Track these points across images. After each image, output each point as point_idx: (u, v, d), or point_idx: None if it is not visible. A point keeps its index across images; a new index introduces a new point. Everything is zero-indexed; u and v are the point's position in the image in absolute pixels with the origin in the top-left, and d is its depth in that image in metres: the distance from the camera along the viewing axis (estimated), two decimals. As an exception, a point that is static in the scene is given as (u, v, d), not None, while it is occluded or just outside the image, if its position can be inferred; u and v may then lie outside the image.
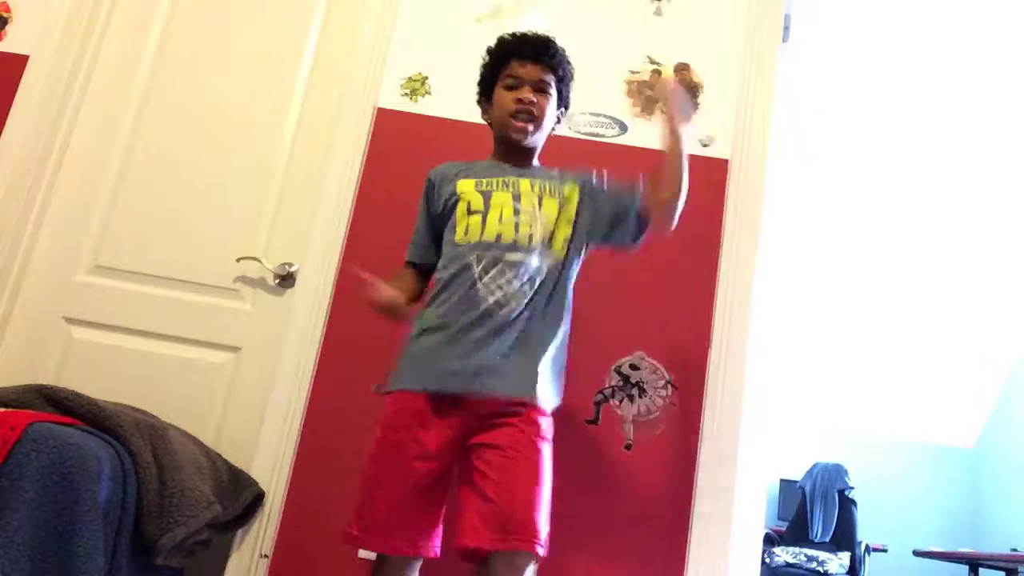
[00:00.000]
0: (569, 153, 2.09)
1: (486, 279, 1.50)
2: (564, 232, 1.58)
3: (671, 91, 1.61)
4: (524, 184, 1.59)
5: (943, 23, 3.51)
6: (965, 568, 4.64)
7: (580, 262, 1.62)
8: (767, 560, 4.74)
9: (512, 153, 1.65)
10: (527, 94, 1.60)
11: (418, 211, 1.71)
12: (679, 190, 1.55)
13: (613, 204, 1.62)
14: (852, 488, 5.14)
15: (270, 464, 1.94)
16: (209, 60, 2.32)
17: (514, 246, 1.53)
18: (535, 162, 1.68)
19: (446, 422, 1.47)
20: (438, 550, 1.50)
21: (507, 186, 1.59)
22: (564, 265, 1.57)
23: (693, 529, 1.85)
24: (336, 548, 1.90)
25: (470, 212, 1.57)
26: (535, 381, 1.48)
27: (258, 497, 1.89)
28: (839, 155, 4.54)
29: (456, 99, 2.17)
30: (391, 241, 2.08)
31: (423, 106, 2.17)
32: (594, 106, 2.12)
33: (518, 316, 1.49)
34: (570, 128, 2.12)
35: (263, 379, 2.05)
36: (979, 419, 5.64)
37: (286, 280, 2.15)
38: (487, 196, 1.58)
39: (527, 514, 1.36)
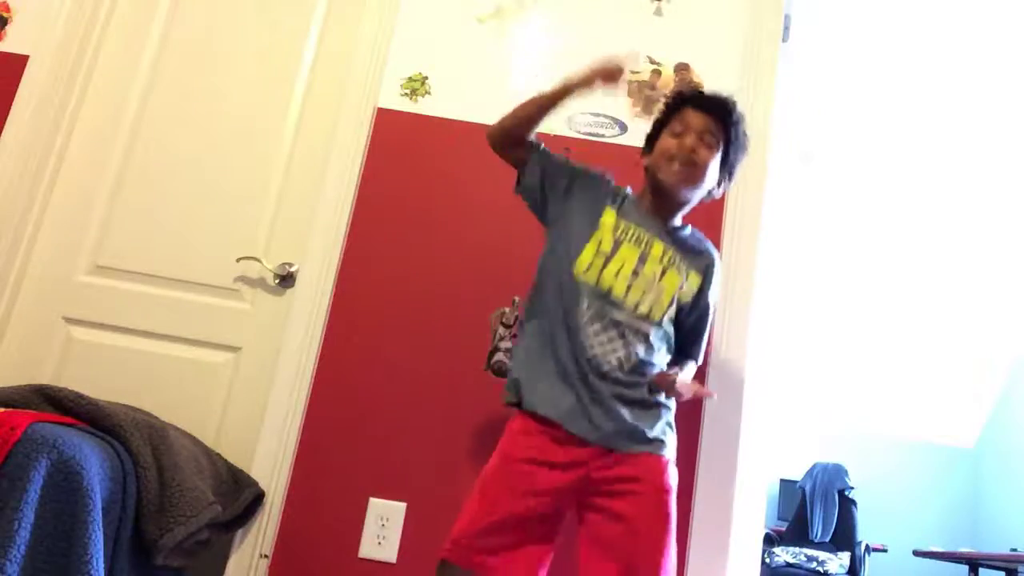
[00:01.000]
0: (569, 153, 2.09)
1: (594, 327, 1.47)
2: (671, 312, 1.54)
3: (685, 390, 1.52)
4: (656, 248, 1.53)
5: (943, 23, 3.51)
6: (965, 568, 4.64)
7: (670, 338, 1.57)
8: (767, 560, 4.74)
9: (659, 203, 1.57)
10: (690, 140, 1.52)
11: (581, 166, 1.63)
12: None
13: (696, 309, 1.60)
14: (852, 488, 5.14)
15: (270, 464, 1.94)
16: (209, 60, 2.32)
17: (619, 305, 1.48)
18: (678, 221, 1.61)
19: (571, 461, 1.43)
20: None
21: (639, 243, 1.53)
22: (659, 334, 1.52)
23: (693, 529, 1.85)
24: (336, 548, 1.90)
25: (598, 250, 1.50)
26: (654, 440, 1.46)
27: (258, 497, 1.89)
28: (839, 155, 4.54)
29: (456, 99, 2.17)
30: (391, 241, 2.09)
31: (423, 106, 2.17)
32: (594, 106, 2.11)
33: (625, 375, 1.46)
34: (570, 128, 2.12)
35: (263, 379, 2.05)
36: (979, 419, 5.64)
37: (286, 280, 2.15)
38: (617, 243, 1.52)
39: None
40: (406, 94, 2.18)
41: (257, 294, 2.17)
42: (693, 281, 1.57)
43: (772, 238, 2.15)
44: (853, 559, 4.86)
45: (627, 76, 1.55)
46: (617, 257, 1.50)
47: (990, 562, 4.47)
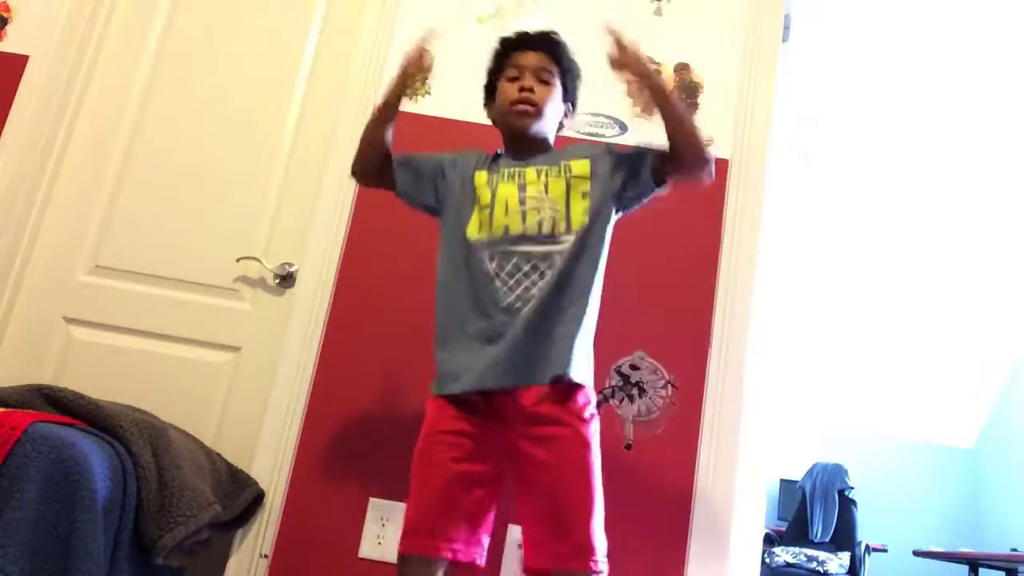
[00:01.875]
0: (569, 153, 2.10)
1: (503, 275, 1.45)
2: (580, 206, 1.50)
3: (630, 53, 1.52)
4: (530, 173, 1.54)
5: (943, 23, 3.51)
6: (965, 568, 4.64)
7: (610, 228, 1.54)
8: (767, 560, 4.74)
9: (520, 147, 1.59)
10: (527, 82, 1.56)
11: (428, 155, 1.65)
12: (690, 133, 1.50)
13: (626, 160, 1.56)
14: (852, 488, 5.14)
15: (270, 464, 1.94)
16: (209, 60, 2.32)
17: (523, 238, 1.47)
18: (548, 149, 1.62)
19: (485, 422, 1.44)
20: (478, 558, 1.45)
21: (512, 177, 1.54)
22: (588, 235, 1.49)
23: (693, 529, 1.85)
24: (336, 548, 1.90)
25: (480, 208, 1.52)
26: (568, 361, 1.43)
27: (258, 497, 1.89)
28: (839, 155, 4.54)
29: (456, 99, 2.16)
30: (391, 241, 2.09)
31: (423, 106, 2.17)
32: (594, 106, 2.11)
33: (540, 306, 1.43)
34: (570, 128, 2.12)
35: (263, 379, 2.05)
36: (979, 419, 5.64)
37: (286, 280, 2.15)
38: (494, 191, 1.53)
39: (583, 533, 1.35)
40: (406, 94, 2.17)
41: (257, 294, 2.17)
42: (581, 164, 1.55)
43: (772, 238, 2.15)
44: (853, 559, 4.86)
45: (431, 55, 1.59)
46: (498, 200, 1.51)
47: (990, 562, 4.48)
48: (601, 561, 1.35)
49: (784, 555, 4.85)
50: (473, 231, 1.51)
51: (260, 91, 2.28)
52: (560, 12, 2.22)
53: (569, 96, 1.64)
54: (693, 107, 2.12)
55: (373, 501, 1.92)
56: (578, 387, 1.44)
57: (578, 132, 2.12)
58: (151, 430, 1.66)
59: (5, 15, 2.29)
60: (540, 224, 1.48)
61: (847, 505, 5.10)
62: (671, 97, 1.53)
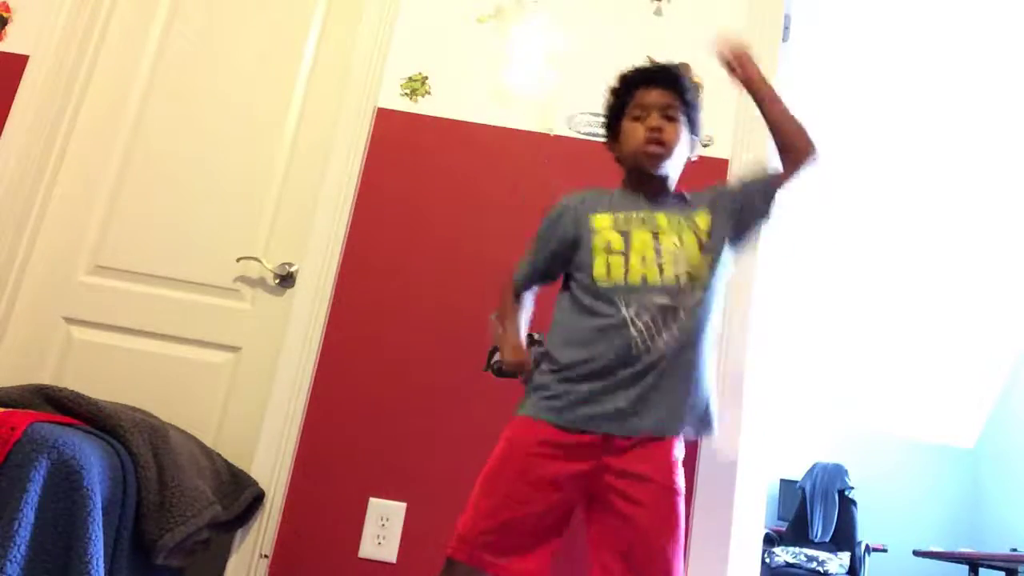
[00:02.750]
0: (569, 153, 2.10)
1: (640, 324, 1.43)
2: (708, 259, 1.50)
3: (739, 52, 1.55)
4: (661, 219, 1.52)
5: (943, 22, 3.51)
6: (965, 568, 4.64)
7: (726, 270, 1.55)
8: (767, 560, 4.74)
9: (647, 187, 1.57)
10: (655, 121, 1.53)
11: (539, 235, 1.62)
12: (797, 120, 1.53)
13: (738, 197, 1.56)
14: (852, 488, 5.14)
15: (270, 464, 1.94)
16: (209, 60, 2.32)
17: (662, 289, 1.45)
18: (670, 191, 1.60)
19: (574, 451, 1.42)
20: None
21: (644, 223, 1.51)
22: (708, 289, 1.49)
23: (693, 529, 1.85)
24: (336, 548, 1.90)
25: (610, 252, 1.49)
26: (688, 415, 1.44)
27: (258, 497, 1.89)
28: (839, 155, 4.54)
29: (456, 99, 2.17)
30: (391, 241, 2.09)
31: (423, 106, 2.17)
32: (594, 106, 2.11)
33: (675, 359, 1.43)
34: (570, 128, 2.12)
35: (263, 379, 2.05)
36: (979, 419, 5.64)
37: (286, 280, 2.15)
38: (626, 235, 1.50)
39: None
40: (406, 94, 2.18)
41: (257, 294, 2.17)
42: (702, 217, 1.54)
43: (773, 238, 2.15)
44: (853, 559, 4.86)
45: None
46: (634, 247, 1.48)
47: (990, 562, 4.47)
48: None
49: (784, 555, 4.85)
50: (602, 275, 1.48)
51: (260, 91, 2.28)
52: (560, 12, 2.22)
53: (694, 130, 1.62)
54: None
55: (373, 501, 1.92)
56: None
57: (578, 132, 2.12)
58: (151, 430, 1.66)
59: (5, 15, 2.29)
60: (678, 278, 1.46)
61: (847, 505, 5.10)
62: (775, 95, 1.56)
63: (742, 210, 1.55)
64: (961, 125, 4.12)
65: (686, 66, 1.63)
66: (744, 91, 1.58)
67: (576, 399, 1.43)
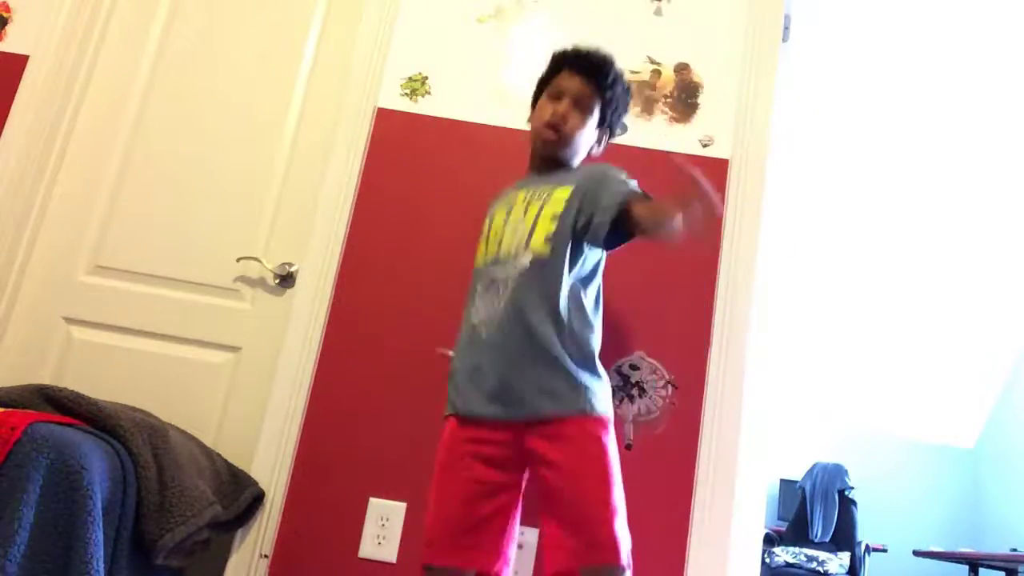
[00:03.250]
0: (569, 153, 2.10)
1: (477, 302, 1.51)
2: (545, 230, 1.47)
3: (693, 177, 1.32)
4: (520, 196, 1.56)
5: (943, 22, 3.52)
6: (965, 568, 4.65)
7: (588, 258, 1.50)
8: (767, 560, 4.74)
9: (541, 166, 1.61)
10: (562, 107, 1.55)
11: None
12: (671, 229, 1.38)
13: (595, 202, 1.48)
14: (852, 488, 5.14)
15: (270, 464, 1.94)
16: (209, 60, 2.32)
17: (496, 262, 1.51)
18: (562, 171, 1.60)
19: (498, 429, 1.44)
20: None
21: (506, 202, 1.58)
22: (550, 263, 1.45)
23: (693, 529, 1.85)
24: (336, 548, 1.90)
25: (485, 239, 1.58)
26: (579, 395, 1.42)
27: (258, 497, 1.89)
28: (839, 155, 4.54)
29: (456, 99, 2.17)
30: (391, 241, 2.09)
31: (423, 106, 2.17)
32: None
33: (512, 333, 1.43)
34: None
35: (263, 379, 2.05)
36: (979, 419, 5.64)
37: (286, 280, 2.15)
38: (491, 218, 1.59)
39: (605, 528, 1.33)
40: (406, 94, 2.18)
41: (257, 294, 2.17)
42: (564, 190, 1.50)
43: (772, 238, 2.15)
44: (853, 559, 4.86)
45: None
46: (492, 228, 1.56)
47: (990, 562, 4.48)
48: (625, 555, 1.33)
49: (784, 555, 4.85)
50: (478, 261, 1.58)
51: (260, 91, 2.28)
52: (560, 12, 2.22)
53: (606, 124, 1.63)
54: (693, 107, 2.12)
55: (373, 501, 1.92)
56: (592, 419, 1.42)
57: (578, 132, 2.11)
58: (151, 430, 1.66)
59: (5, 15, 2.29)
60: (511, 250, 1.50)
61: (847, 505, 5.10)
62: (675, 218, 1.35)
63: (588, 219, 1.47)
64: (961, 125, 4.13)
65: (607, 64, 1.59)
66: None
67: (463, 387, 1.48)
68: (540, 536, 1.43)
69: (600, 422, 1.41)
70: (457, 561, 1.41)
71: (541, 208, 1.51)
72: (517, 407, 1.41)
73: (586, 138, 1.59)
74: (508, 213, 1.55)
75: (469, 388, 1.47)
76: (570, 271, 1.47)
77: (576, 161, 1.61)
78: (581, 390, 1.42)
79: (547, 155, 1.60)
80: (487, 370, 1.45)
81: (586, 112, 1.57)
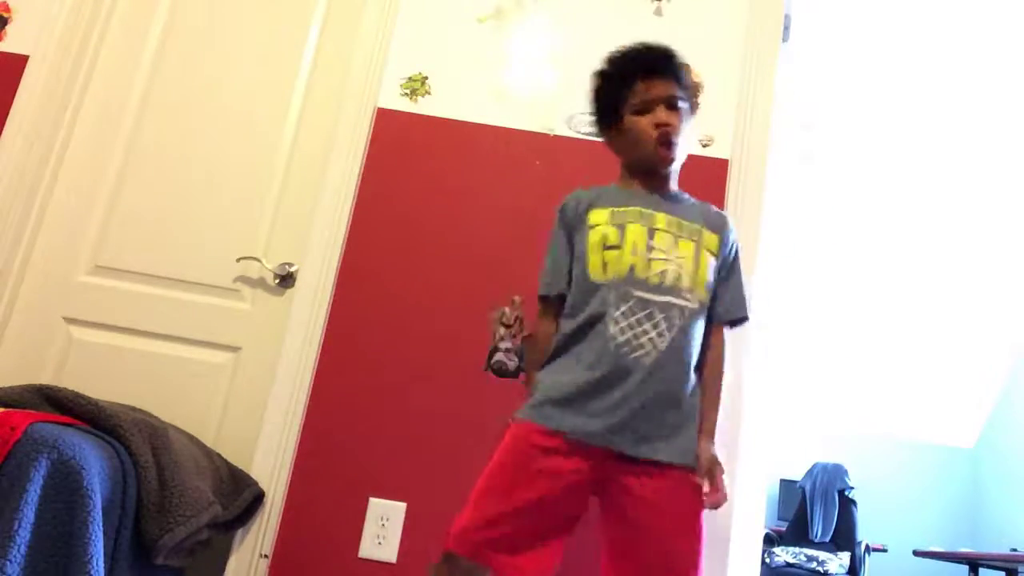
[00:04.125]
0: (570, 153, 2.10)
1: (621, 321, 1.37)
2: (706, 278, 1.44)
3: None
4: (661, 219, 1.45)
5: (943, 22, 3.51)
6: (965, 568, 4.64)
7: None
8: (767, 560, 4.74)
9: (648, 181, 1.51)
10: (664, 116, 1.45)
11: (553, 239, 1.53)
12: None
13: (732, 296, 1.50)
14: (852, 488, 5.14)
15: (270, 464, 1.94)
16: (209, 60, 2.32)
17: (656, 288, 1.39)
18: (673, 187, 1.54)
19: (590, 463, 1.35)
20: None
21: (642, 218, 1.44)
22: (705, 313, 1.43)
23: (693, 529, 1.84)
24: (336, 548, 1.90)
25: (606, 247, 1.42)
26: (690, 448, 1.37)
27: (258, 497, 1.89)
28: (839, 155, 4.54)
29: (456, 99, 2.17)
30: (391, 241, 2.09)
31: (423, 106, 2.17)
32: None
33: (667, 369, 1.36)
34: (570, 128, 2.12)
35: (263, 379, 2.05)
36: (979, 419, 5.64)
37: (286, 280, 2.15)
38: (622, 228, 1.43)
39: None
40: (406, 94, 2.18)
41: (257, 294, 2.17)
42: (710, 239, 1.48)
43: (772, 238, 2.15)
44: (853, 559, 4.86)
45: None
46: (627, 240, 1.42)
47: (990, 562, 4.47)
48: None
49: (784, 555, 4.85)
50: (596, 271, 1.42)
51: (260, 91, 2.28)
52: (560, 12, 2.22)
53: (693, 110, 1.55)
54: (693, 107, 2.12)
55: (373, 501, 1.92)
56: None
57: (578, 132, 2.12)
58: (151, 430, 1.66)
59: (5, 15, 2.29)
60: (663, 275, 1.40)
61: (847, 505, 5.10)
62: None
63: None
64: (960, 125, 4.13)
65: (677, 57, 1.53)
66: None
67: (570, 406, 1.36)
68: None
69: (696, 481, 1.38)
70: (477, 558, 1.34)
71: (698, 249, 1.45)
72: (644, 444, 1.34)
73: (687, 138, 1.52)
74: (649, 233, 1.43)
75: (587, 404, 1.36)
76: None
77: (680, 164, 1.52)
78: (693, 444, 1.39)
79: (662, 170, 1.50)
80: (629, 396, 1.34)
81: (681, 112, 1.48)
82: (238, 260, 2.15)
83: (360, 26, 2.22)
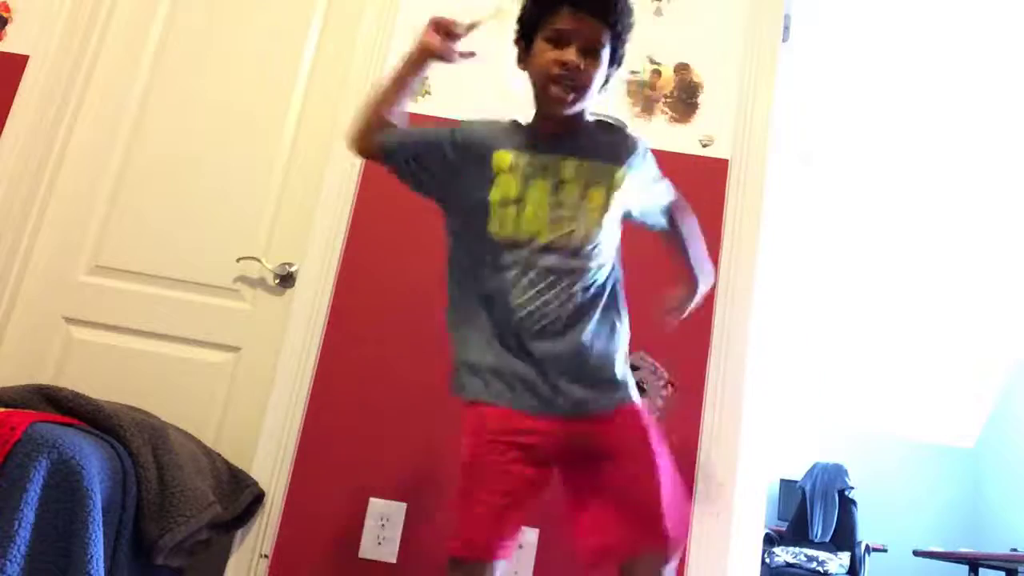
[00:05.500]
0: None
1: (522, 285, 1.32)
2: (602, 208, 1.37)
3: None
4: (566, 168, 1.36)
5: (943, 22, 3.51)
6: (965, 568, 4.64)
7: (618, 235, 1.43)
8: (767, 560, 4.74)
9: (551, 125, 1.40)
10: (572, 56, 1.32)
11: (428, 131, 1.49)
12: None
13: (648, 204, 1.49)
14: (852, 488, 5.14)
15: (270, 464, 1.94)
16: (209, 60, 2.32)
17: (548, 249, 1.33)
18: (580, 125, 1.43)
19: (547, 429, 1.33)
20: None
21: (546, 172, 1.36)
22: (599, 247, 1.38)
23: (693, 529, 1.85)
24: (336, 548, 1.90)
25: (505, 202, 1.34)
26: (620, 387, 1.37)
27: (258, 497, 1.89)
28: (839, 155, 4.54)
29: (456, 99, 2.16)
30: (391, 241, 2.09)
31: (423, 106, 2.17)
32: (594, 106, 2.11)
33: (572, 329, 1.34)
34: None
35: (263, 379, 2.05)
36: (979, 419, 5.64)
37: (286, 280, 2.15)
38: (525, 184, 1.35)
39: (659, 518, 1.30)
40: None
41: (257, 294, 2.17)
42: (622, 175, 1.39)
43: (772, 238, 2.15)
44: (853, 559, 4.86)
45: (462, 32, 1.47)
46: (530, 199, 1.34)
47: (990, 562, 4.47)
48: (675, 547, 1.30)
49: (784, 555, 4.85)
50: (495, 226, 1.34)
51: (260, 90, 2.28)
52: (560, 12, 2.22)
53: (616, 60, 1.40)
54: (693, 107, 2.12)
55: (373, 501, 1.92)
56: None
57: (578, 132, 2.11)
58: (151, 430, 1.67)
59: (5, 15, 2.29)
60: (571, 236, 1.34)
61: (847, 505, 5.10)
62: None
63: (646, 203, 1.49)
64: (961, 125, 4.12)
65: None
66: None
67: (491, 364, 1.34)
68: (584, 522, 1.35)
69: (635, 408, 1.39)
70: (491, 556, 1.32)
71: (608, 192, 1.38)
72: (576, 406, 1.34)
73: (598, 86, 1.38)
74: (554, 188, 1.35)
75: (516, 384, 1.33)
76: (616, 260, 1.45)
77: (586, 112, 1.42)
78: (622, 385, 1.39)
79: (557, 116, 1.38)
80: (547, 370, 1.33)
81: (599, 59, 1.34)
82: (238, 260, 2.15)
83: (360, 26, 2.22)
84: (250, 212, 2.21)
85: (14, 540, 1.30)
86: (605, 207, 1.37)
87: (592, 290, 1.37)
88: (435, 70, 2.23)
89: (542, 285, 1.32)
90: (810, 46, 2.51)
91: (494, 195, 1.35)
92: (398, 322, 2.03)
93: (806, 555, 4.83)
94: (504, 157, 1.38)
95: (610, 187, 1.38)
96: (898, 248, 5.05)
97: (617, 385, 1.38)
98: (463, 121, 1.49)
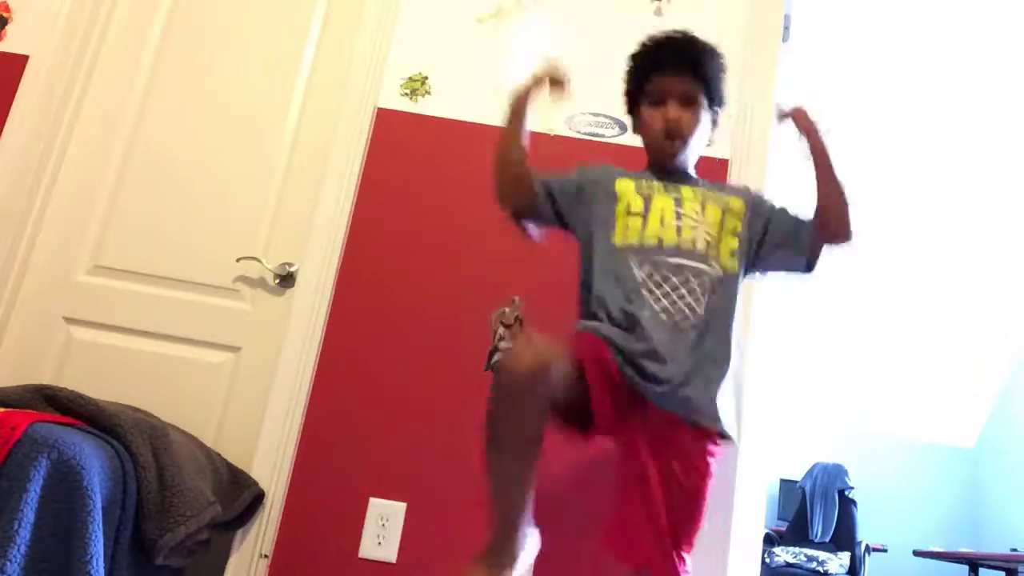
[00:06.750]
0: (569, 153, 2.10)
1: (652, 286, 1.41)
2: (730, 245, 1.48)
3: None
4: (686, 191, 1.51)
5: (943, 22, 3.51)
6: (965, 568, 4.64)
7: (741, 284, 1.50)
8: (767, 560, 4.74)
9: (667, 173, 1.55)
10: (671, 112, 1.50)
11: (562, 180, 1.57)
12: (845, 202, 1.57)
13: (781, 223, 1.55)
14: (852, 488, 5.14)
15: (270, 464, 1.94)
16: (209, 60, 2.32)
17: (677, 251, 1.43)
18: (692, 173, 1.58)
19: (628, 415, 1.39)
20: None
21: (667, 191, 1.50)
22: (732, 281, 1.46)
23: (693, 529, 1.84)
24: (336, 548, 1.91)
25: (629, 214, 1.47)
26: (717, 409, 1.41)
27: (258, 497, 1.89)
28: (839, 156, 4.54)
29: (456, 99, 2.17)
30: (391, 241, 2.09)
31: (423, 106, 2.17)
32: (594, 106, 2.11)
33: (694, 329, 1.40)
34: (570, 128, 2.12)
35: (263, 379, 2.05)
36: (979, 419, 5.64)
37: (286, 280, 2.15)
38: (647, 199, 1.48)
39: (687, 546, 1.39)
40: (406, 94, 2.18)
41: (257, 294, 2.17)
42: (736, 203, 1.52)
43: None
44: (853, 559, 4.86)
45: (569, 85, 1.56)
46: (653, 209, 1.47)
47: (990, 562, 4.48)
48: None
49: (784, 555, 4.85)
50: (619, 237, 1.46)
51: (260, 91, 2.28)
52: (560, 12, 2.22)
53: (716, 102, 1.57)
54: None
55: (373, 501, 1.92)
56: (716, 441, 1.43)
57: (578, 132, 2.12)
58: (151, 430, 1.66)
59: (5, 15, 2.29)
60: (695, 242, 1.44)
61: (847, 505, 5.10)
62: (831, 161, 1.58)
63: (763, 239, 1.53)
64: (961, 125, 4.13)
65: (697, 49, 1.56)
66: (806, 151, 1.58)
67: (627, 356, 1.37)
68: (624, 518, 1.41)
69: (721, 448, 1.44)
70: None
71: (723, 215, 1.49)
72: (688, 409, 1.38)
73: (701, 133, 1.55)
74: (677, 202, 1.48)
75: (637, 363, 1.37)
76: (738, 301, 1.49)
77: (696, 154, 1.57)
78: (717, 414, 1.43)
79: (670, 167, 1.54)
80: (670, 360, 1.37)
81: (695, 105, 1.51)
82: (238, 260, 2.15)
83: (360, 26, 2.22)
84: (250, 212, 2.21)
85: (14, 540, 1.30)
86: (720, 225, 1.48)
87: (717, 297, 1.42)
88: (435, 70, 2.25)
89: (675, 281, 1.41)
90: (810, 46, 2.51)
91: (620, 208, 1.48)
92: (398, 322, 2.03)
93: (806, 555, 4.84)
94: (626, 182, 1.52)
95: (725, 208, 1.51)
96: (898, 248, 5.04)
97: (716, 410, 1.41)
98: (579, 167, 1.60)
